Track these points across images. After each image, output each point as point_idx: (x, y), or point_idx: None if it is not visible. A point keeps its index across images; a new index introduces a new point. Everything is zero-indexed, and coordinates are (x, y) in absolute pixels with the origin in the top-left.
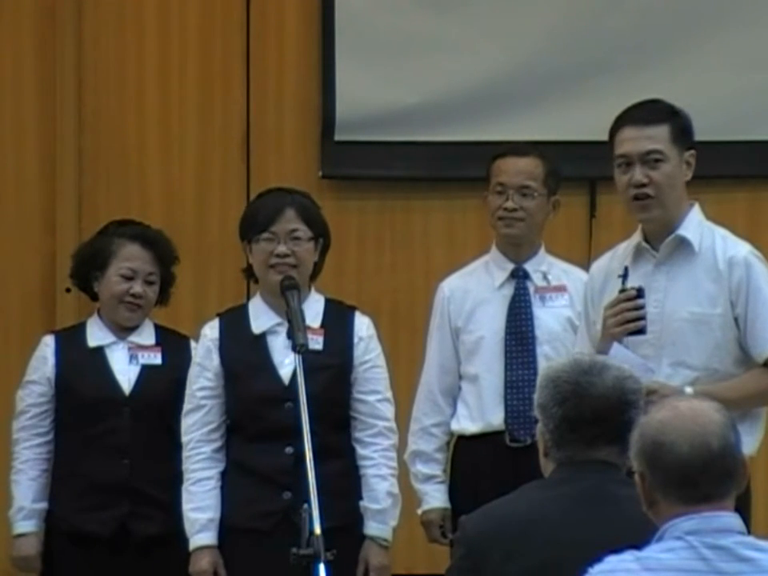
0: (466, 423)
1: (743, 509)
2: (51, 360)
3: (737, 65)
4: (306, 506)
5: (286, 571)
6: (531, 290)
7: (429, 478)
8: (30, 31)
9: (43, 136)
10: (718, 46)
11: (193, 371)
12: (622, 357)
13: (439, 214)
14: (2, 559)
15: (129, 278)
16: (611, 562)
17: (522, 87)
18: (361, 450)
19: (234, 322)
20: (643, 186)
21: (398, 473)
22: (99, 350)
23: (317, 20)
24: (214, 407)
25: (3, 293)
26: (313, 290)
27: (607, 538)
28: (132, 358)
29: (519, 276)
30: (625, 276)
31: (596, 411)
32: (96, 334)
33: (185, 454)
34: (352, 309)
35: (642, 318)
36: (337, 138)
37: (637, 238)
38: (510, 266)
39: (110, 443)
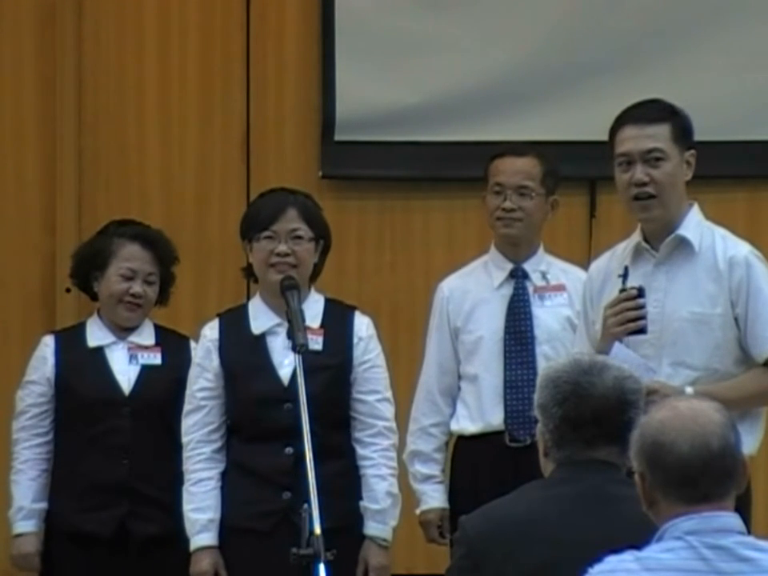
0: (466, 423)
1: (743, 509)
2: (51, 360)
3: (737, 65)
4: (305, 506)
5: (287, 571)
6: (530, 289)
7: (427, 478)
8: (30, 31)
9: (43, 136)
10: (718, 46)
11: (193, 372)
12: (623, 356)
13: (439, 214)
14: (1, 559)
15: (128, 278)
16: (611, 562)
17: (522, 87)
18: (360, 450)
19: (234, 323)
20: (644, 184)
21: (397, 473)
22: (99, 350)
23: (317, 20)
24: (214, 408)
25: (3, 293)
26: (313, 290)
27: (607, 538)
28: (132, 358)
29: (518, 276)
30: (625, 276)
31: (596, 411)
32: (96, 334)
33: (185, 454)
34: (352, 309)
35: (643, 317)
36: (337, 138)
37: (636, 237)
38: (509, 266)
39: (109, 443)
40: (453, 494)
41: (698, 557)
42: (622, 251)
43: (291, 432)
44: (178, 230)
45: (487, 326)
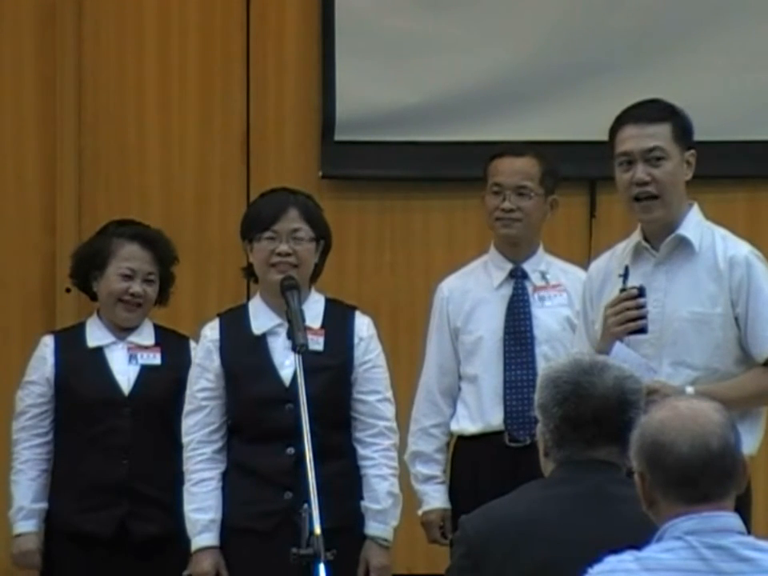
0: (466, 423)
1: (743, 509)
2: (50, 360)
3: (737, 65)
4: (305, 506)
5: (288, 571)
6: (530, 289)
7: (429, 479)
8: (30, 31)
9: (43, 136)
10: (718, 45)
11: (193, 372)
12: (624, 356)
13: (439, 214)
14: (2, 559)
15: (128, 278)
16: (611, 562)
17: (523, 87)
18: (361, 450)
19: (234, 323)
20: (645, 184)
21: (398, 472)
22: (98, 351)
23: (317, 20)
24: (214, 408)
25: (3, 293)
26: (313, 290)
27: (607, 538)
28: (131, 358)
29: (518, 276)
30: (625, 275)
31: (596, 411)
32: (95, 334)
33: (186, 454)
34: (352, 309)
35: (643, 317)
36: (337, 138)
37: (636, 237)
38: (509, 266)
39: (109, 443)
40: (453, 494)
41: (698, 557)
42: (621, 251)
43: (292, 432)
44: (178, 230)
45: (487, 326)
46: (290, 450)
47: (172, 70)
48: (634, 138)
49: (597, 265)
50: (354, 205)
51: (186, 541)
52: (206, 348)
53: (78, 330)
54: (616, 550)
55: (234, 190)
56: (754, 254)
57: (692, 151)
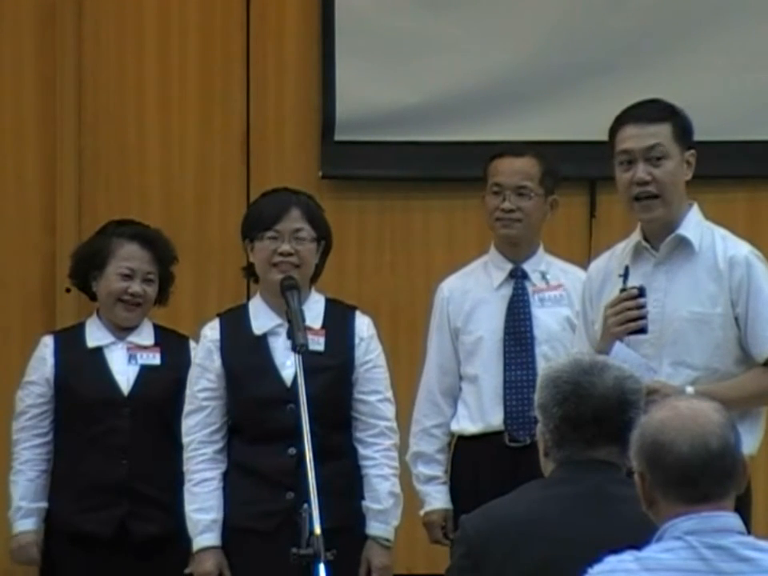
0: (466, 423)
1: (743, 509)
2: (50, 361)
3: (737, 65)
4: (305, 505)
5: (290, 571)
6: (530, 289)
7: (430, 479)
8: (30, 31)
9: (43, 136)
10: (718, 45)
11: (193, 372)
12: (624, 356)
13: (439, 214)
14: (2, 559)
15: (127, 277)
16: (611, 562)
17: (522, 87)
18: (362, 450)
19: (235, 323)
20: (646, 183)
21: (399, 472)
22: (98, 351)
23: (317, 20)
24: (215, 408)
25: (3, 293)
26: (313, 290)
27: (607, 538)
28: (131, 358)
29: (518, 276)
30: (626, 275)
31: (596, 411)
32: (95, 335)
33: (186, 455)
34: (352, 309)
35: (643, 317)
36: (337, 138)
37: (636, 237)
38: (509, 266)
39: (109, 443)
40: (453, 494)
41: (698, 557)
42: (621, 251)
43: (294, 433)
44: (178, 230)
45: (487, 326)
46: (292, 451)
47: (172, 70)
48: (635, 137)
49: (596, 265)
50: (354, 205)
51: (185, 541)
52: (206, 348)
53: (78, 330)
54: (616, 550)
55: (234, 190)
56: (754, 254)
57: (692, 151)
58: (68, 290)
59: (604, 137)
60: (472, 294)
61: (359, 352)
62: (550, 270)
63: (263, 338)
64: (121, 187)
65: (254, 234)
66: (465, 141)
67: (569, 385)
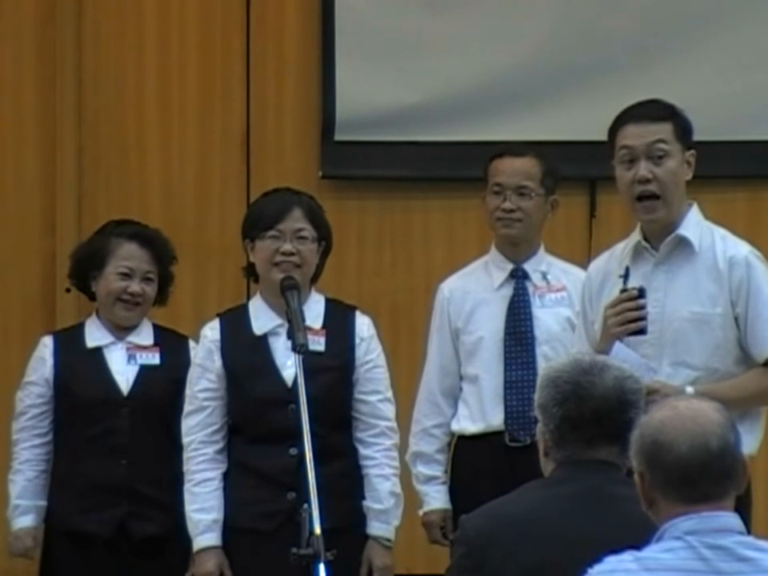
0: (466, 423)
1: (743, 509)
2: (50, 361)
3: (737, 65)
4: (306, 505)
5: (291, 571)
6: (530, 290)
7: (430, 479)
8: (30, 31)
9: (43, 136)
10: (719, 45)
11: (194, 372)
12: (624, 356)
13: (439, 214)
14: (2, 559)
15: (126, 277)
16: (610, 562)
17: (522, 87)
18: (363, 450)
19: (235, 323)
20: (648, 181)
21: (399, 472)
22: (97, 351)
23: (317, 20)
24: (216, 409)
25: (3, 293)
26: (313, 290)
27: (607, 538)
28: (130, 358)
29: (518, 276)
30: (626, 276)
31: (596, 411)
32: (94, 335)
33: (186, 455)
34: (352, 309)
35: (643, 318)
36: (337, 138)
37: (636, 237)
38: (510, 267)
39: (108, 443)
40: (452, 494)
41: (698, 557)
42: (621, 251)
43: (295, 433)
44: (177, 230)
45: (487, 326)
46: (293, 451)
47: (172, 70)
48: (637, 135)
49: (596, 265)
50: (354, 205)
51: (185, 540)
52: (206, 348)
53: (77, 330)
54: (616, 550)
55: (234, 190)
56: (754, 254)
57: (692, 151)
58: (68, 290)
59: (604, 137)
60: (473, 294)
61: (359, 352)
62: (550, 271)
63: (264, 338)
64: (121, 187)
65: (256, 234)
66: (465, 141)
67: (569, 385)
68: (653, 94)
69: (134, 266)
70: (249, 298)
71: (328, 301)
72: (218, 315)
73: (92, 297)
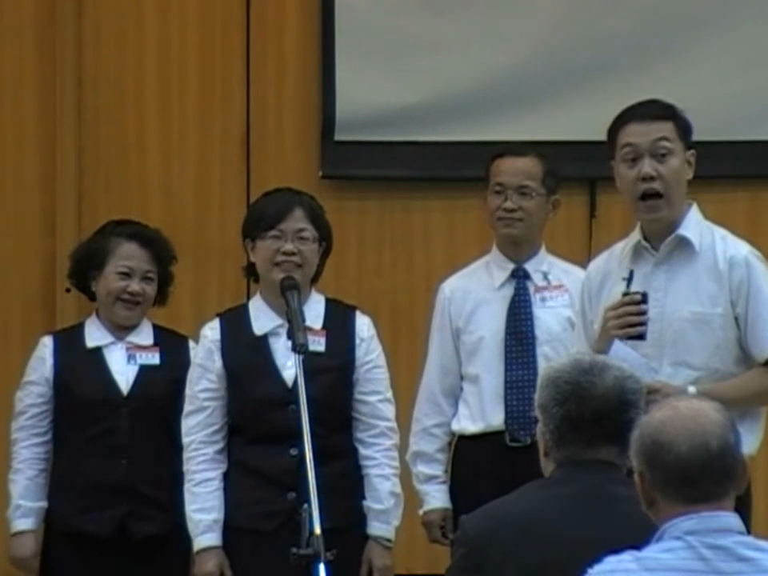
0: (467, 423)
1: (743, 509)
2: (49, 361)
3: (737, 65)
4: (306, 505)
5: (291, 571)
6: (531, 290)
7: (430, 479)
8: (30, 31)
9: (43, 136)
10: (719, 45)
11: (194, 372)
12: (624, 354)
13: (439, 214)
14: (2, 559)
15: (126, 276)
16: (610, 562)
17: (522, 87)
18: (363, 450)
19: (235, 323)
20: (652, 179)
21: (399, 472)
22: (97, 351)
23: (317, 20)
24: (216, 409)
25: (3, 293)
26: (313, 290)
27: (607, 538)
28: (130, 358)
29: (519, 276)
30: (630, 279)
31: (596, 411)
32: (94, 335)
33: (186, 455)
34: (352, 309)
35: (644, 323)
36: (337, 138)
37: (636, 237)
38: (511, 266)
39: (108, 443)
40: (453, 494)
41: (698, 557)
42: (620, 251)
43: (295, 433)
44: (177, 230)
45: (488, 326)
46: (293, 451)
47: (172, 70)
48: (640, 133)
49: (595, 264)
50: (354, 205)
51: (185, 541)
52: (207, 348)
53: (77, 330)
54: (616, 550)
55: (234, 190)
56: (754, 254)
57: (692, 151)
58: (68, 290)
59: (604, 137)
60: (473, 293)
61: (360, 352)
62: (551, 271)
63: (264, 338)
64: (121, 187)
65: (256, 234)
66: (465, 141)
67: (569, 385)
68: (653, 94)
69: (133, 266)
70: (249, 298)
71: (328, 301)
72: (218, 315)
73: (92, 297)
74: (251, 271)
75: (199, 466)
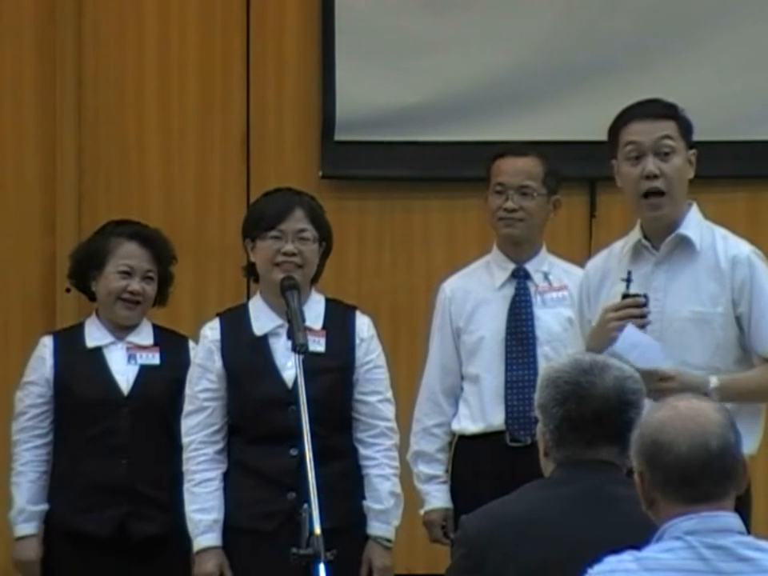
0: (467, 423)
1: (743, 509)
2: (50, 361)
3: (737, 65)
4: (306, 506)
5: (291, 571)
6: (532, 290)
7: (431, 479)
8: (30, 31)
9: (43, 136)
10: (719, 45)
11: (194, 372)
12: (636, 339)
13: (439, 214)
14: (2, 560)
15: (126, 275)
16: (610, 562)
17: (522, 87)
18: (363, 451)
19: (235, 323)
20: (655, 177)
21: (399, 472)
22: (97, 351)
23: (317, 20)
24: (216, 409)
25: (3, 293)
26: (313, 290)
27: (607, 538)
28: (130, 358)
29: (520, 276)
30: (629, 280)
31: (596, 411)
32: (94, 335)
33: (186, 455)
34: (352, 309)
35: (644, 326)
36: (337, 138)
37: (636, 236)
38: (511, 266)
39: (108, 443)
40: (453, 494)
41: (698, 557)
42: (620, 249)
43: (295, 433)
44: (177, 230)
45: (488, 326)
46: (293, 451)
47: (172, 70)
48: (643, 131)
49: (594, 263)
50: (354, 205)
51: (185, 541)
52: (207, 348)
53: (77, 330)
54: (616, 550)
55: (234, 190)
56: (756, 254)
57: (693, 150)
58: (68, 290)
59: (604, 137)
60: (474, 293)
61: (360, 353)
62: (552, 271)
63: (264, 338)
64: (121, 187)
65: (257, 234)
66: (465, 141)
67: (569, 385)
68: (653, 94)
69: (134, 265)
70: (249, 298)
71: (328, 301)
72: (218, 315)
73: (92, 297)
74: (251, 271)
75: (199, 466)
